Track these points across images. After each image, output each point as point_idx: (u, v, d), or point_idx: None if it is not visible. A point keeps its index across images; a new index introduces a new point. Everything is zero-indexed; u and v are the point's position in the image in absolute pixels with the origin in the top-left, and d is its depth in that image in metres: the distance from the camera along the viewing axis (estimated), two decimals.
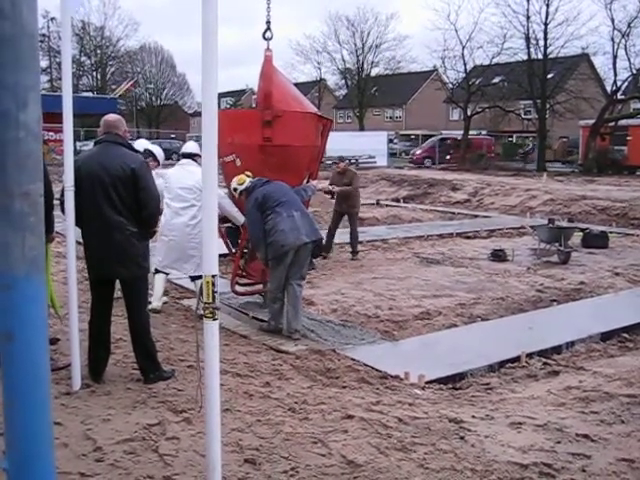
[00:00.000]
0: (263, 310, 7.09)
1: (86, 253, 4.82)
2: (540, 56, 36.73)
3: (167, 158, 11.38)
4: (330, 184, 11.36)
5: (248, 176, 6.54)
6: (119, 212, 4.62)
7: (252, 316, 7.03)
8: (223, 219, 7.34)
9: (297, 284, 6.43)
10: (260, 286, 7.58)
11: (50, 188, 4.77)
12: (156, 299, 6.99)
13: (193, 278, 7.17)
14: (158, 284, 7.08)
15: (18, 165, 1.23)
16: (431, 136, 45.97)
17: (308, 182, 7.12)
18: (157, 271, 7.04)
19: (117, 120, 4.89)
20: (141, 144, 7.84)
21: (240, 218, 7.01)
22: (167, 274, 7.27)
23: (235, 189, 6.54)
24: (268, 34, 6.84)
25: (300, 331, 6.37)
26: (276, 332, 6.43)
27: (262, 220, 6.27)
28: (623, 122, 33.91)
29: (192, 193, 6.94)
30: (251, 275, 7.52)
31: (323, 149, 7.41)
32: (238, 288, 7.46)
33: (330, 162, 32.17)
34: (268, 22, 6.82)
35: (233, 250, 7.44)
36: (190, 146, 7.60)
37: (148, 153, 7.52)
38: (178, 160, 7.89)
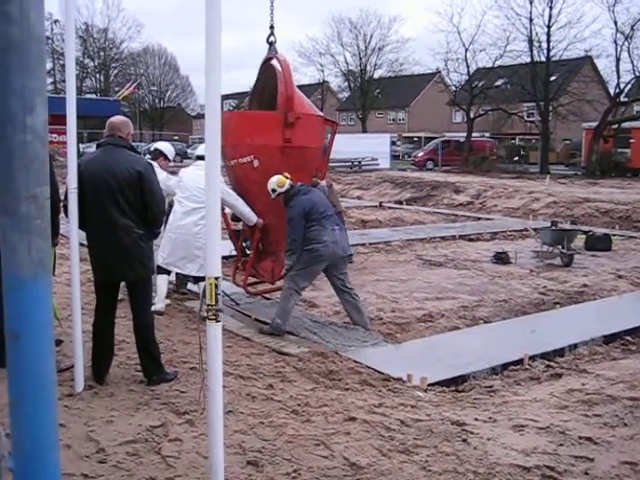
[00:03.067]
0: (267, 312, 7.11)
1: (91, 256, 4.82)
2: (543, 59, 36.71)
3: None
4: None
5: (287, 178, 6.59)
6: (125, 215, 4.63)
7: (255, 318, 7.04)
8: (234, 217, 7.41)
9: (349, 293, 6.91)
10: (271, 286, 7.72)
11: (57, 192, 4.77)
12: (160, 301, 6.99)
13: (196, 280, 7.18)
14: (161, 285, 7.08)
15: (25, 168, 1.24)
16: (434, 138, 45.97)
17: (317, 185, 7.17)
18: (159, 270, 7.01)
19: (121, 123, 4.90)
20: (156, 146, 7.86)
21: (253, 218, 7.07)
22: (169, 273, 7.26)
23: (274, 190, 6.59)
24: (272, 38, 7.05)
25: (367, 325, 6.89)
26: (278, 334, 6.42)
27: (305, 228, 6.47)
28: (626, 125, 33.89)
29: None
30: (260, 275, 7.61)
31: (329, 150, 7.61)
32: (250, 288, 7.61)
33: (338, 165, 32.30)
34: (272, 27, 7.02)
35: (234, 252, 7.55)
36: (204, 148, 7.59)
37: (158, 152, 7.53)
38: (181, 162, 7.95)
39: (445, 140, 43.12)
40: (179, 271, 7.33)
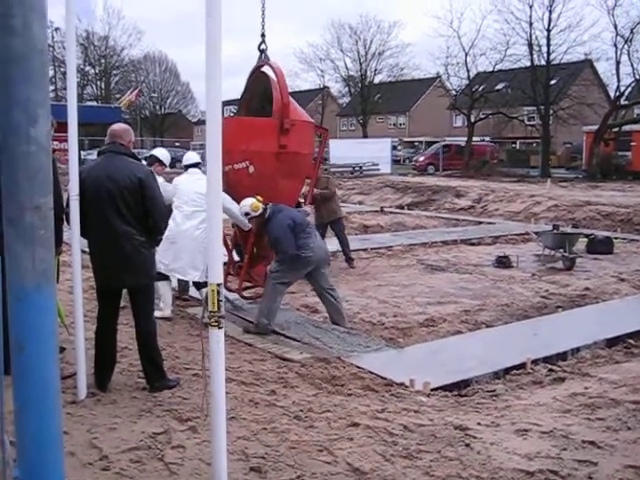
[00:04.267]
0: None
1: (93, 263, 4.83)
2: (543, 62, 36.79)
3: (171, 166, 11.43)
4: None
5: (260, 201, 6.79)
6: (127, 222, 4.64)
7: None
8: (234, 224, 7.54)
9: (330, 294, 7.10)
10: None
11: (61, 202, 4.77)
12: (167, 306, 7.02)
13: (198, 286, 7.18)
14: (165, 291, 7.07)
15: (29, 179, 1.25)
16: (435, 143, 46.00)
17: (300, 207, 7.58)
18: (160, 276, 6.99)
19: (123, 130, 4.91)
20: (152, 152, 7.92)
21: (247, 223, 7.15)
22: (169, 278, 7.24)
23: (247, 214, 6.80)
24: (263, 46, 7.32)
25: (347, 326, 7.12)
26: (264, 333, 6.61)
27: (295, 239, 6.72)
28: (627, 128, 33.90)
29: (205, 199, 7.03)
30: (254, 279, 7.72)
31: (320, 157, 7.98)
32: (245, 293, 7.73)
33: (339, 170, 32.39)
34: (263, 35, 7.27)
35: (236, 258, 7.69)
36: (192, 157, 7.65)
37: (154, 159, 7.58)
38: (181, 168, 8.01)
39: (446, 144, 43.14)
40: (182, 277, 7.33)
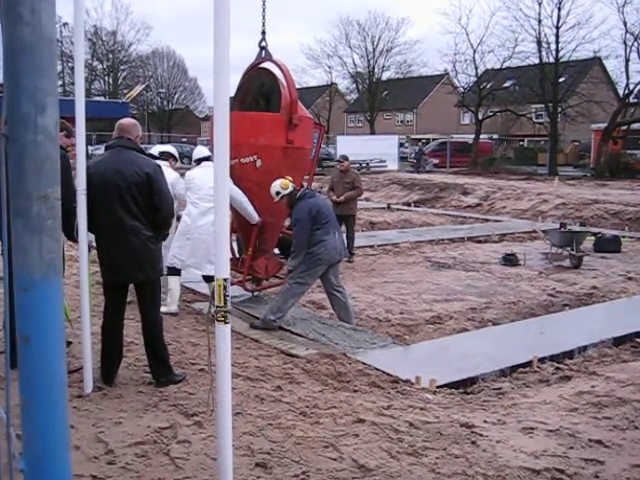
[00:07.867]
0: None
1: (101, 258, 4.83)
2: (552, 60, 36.55)
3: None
4: (331, 184, 11.48)
5: (290, 181, 6.88)
6: (134, 216, 4.64)
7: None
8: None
9: (339, 292, 7.12)
10: (269, 283, 8.07)
11: (74, 195, 4.72)
12: (173, 302, 7.03)
13: (208, 280, 7.18)
14: (174, 287, 7.09)
15: (36, 168, 1.24)
16: (443, 140, 45.85)
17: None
18: (170, 272, 7.00)
19: (131, 125, 4.91)
20: (157, 149, 7.98)
21: (255, 216, 7.27)
22: (180, 274, 7.26)
23: (278, 192, 6.84)
24: (263, 43, 7.51)
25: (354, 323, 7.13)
26: (271, 328, 6.63)
27: (310, 231, 6.77)
28: (635, 126, 33.70)
29: None
30: (256, 272, 7.83)
31: (317, 152, 8.22)
32: (247, 285, 7.89)
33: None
34: (263, 32, 7.45)
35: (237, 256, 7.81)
36: (204, 150, 7.69)
37: (168, 155, 7.65)
38: (190, 164, 8.08)
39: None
40: (198, 272, 7.34)
